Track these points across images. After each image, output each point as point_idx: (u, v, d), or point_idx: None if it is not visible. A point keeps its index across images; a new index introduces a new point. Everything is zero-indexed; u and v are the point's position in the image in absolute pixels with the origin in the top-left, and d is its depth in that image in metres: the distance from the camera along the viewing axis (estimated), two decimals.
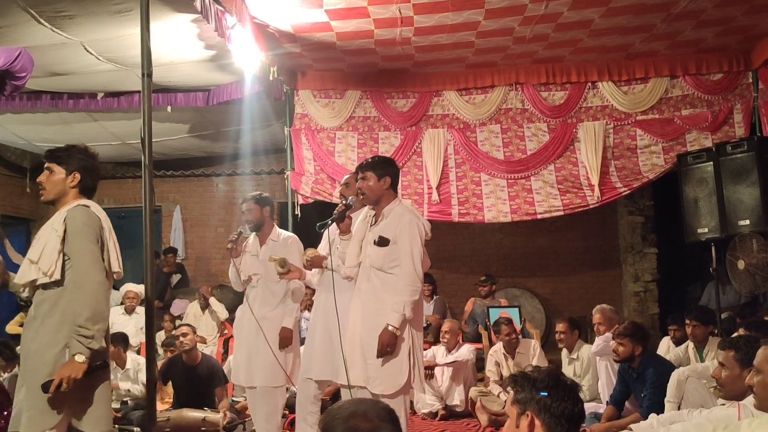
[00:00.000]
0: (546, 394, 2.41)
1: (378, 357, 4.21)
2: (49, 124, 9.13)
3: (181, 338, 6.65)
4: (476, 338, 8.56)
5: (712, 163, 7.64)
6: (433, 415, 7.17)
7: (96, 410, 3.46)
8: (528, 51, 7.86)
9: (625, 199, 9.33)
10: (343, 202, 4.73)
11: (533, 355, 7.11)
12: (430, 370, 7.20)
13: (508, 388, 2.55)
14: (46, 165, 3.68)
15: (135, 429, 6.02)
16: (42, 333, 3.39)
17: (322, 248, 5.09)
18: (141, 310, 8.46)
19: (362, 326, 4.38)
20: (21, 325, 9.27)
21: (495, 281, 9.54)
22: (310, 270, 5.12)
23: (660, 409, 5.01)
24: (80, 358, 3.25)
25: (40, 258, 3.42)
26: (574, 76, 8.34)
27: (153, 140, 4.37)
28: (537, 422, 2.40)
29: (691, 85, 8.24)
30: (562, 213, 8.34)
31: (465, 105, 8.52)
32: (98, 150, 3.87)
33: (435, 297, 9.46)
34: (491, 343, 8.04)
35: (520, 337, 7.34)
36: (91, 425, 3.44)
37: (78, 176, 3.62)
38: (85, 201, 3.59)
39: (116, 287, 8.50)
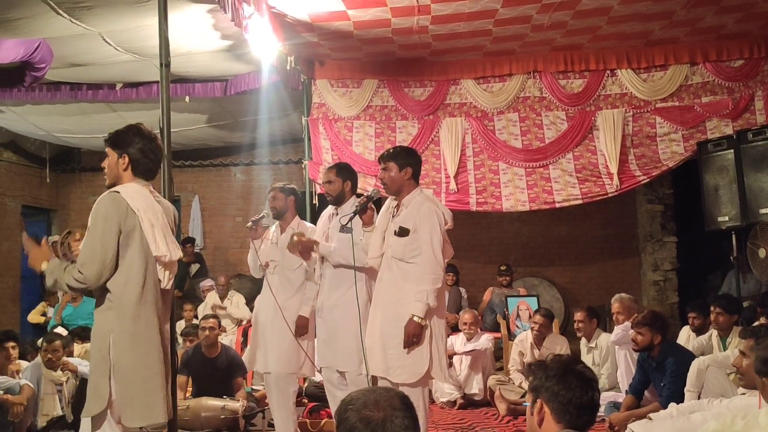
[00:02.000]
0: (554, 382, 2.43)
1: (405, 347, 4.23)
2: (69, 114, 9.20)
3: (208, 331, 6.66)
4: (494, 327, 8.54)
5: (732, 150, 7.58)
6: (452, 403, 7.18)
7: (134, 404, 3.37)
8: (546, 39, 7.81)
9: (644, 187, 9.26)
10: (365, 194, 4.76)
11: (558, 352, 7.04)
12: (448, 358, 7.19)
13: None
14: (106, 149, 3.65)
15: None
16: (95, 318, 3.44)
17: (319, 234, 5.13)
18: None
19: (383, 316, 4.40)
20: (42, 314, 9.37)
21: (513, 271, 9.53)
22: (297, 254, 5.12)
23: (680, 399, 4.99)
24: (58, 267, 3.36)
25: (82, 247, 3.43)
26: (592, 63, 8.28)
27: (171, 130, 4.40)
28: (546, 409, 2.43)
29: (711, 72, 8.16)
30: (580, 202, 8.30)
31: (482, 93, 8.48)
32: None
33: (452, 287, 9.44)
34: (510, 333, 8.03)
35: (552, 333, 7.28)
36: (128, 419, 3.37)
37: (126, 159, 3.56)
38: (126, 185, 3.52)
39: None
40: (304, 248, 4.99)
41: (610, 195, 8.25)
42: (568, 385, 2.41)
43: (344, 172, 5.11)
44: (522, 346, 7.23)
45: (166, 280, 3.53)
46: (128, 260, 3.38)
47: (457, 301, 9.26)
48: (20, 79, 6.74)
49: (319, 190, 8.43)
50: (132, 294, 3.38)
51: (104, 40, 6.45)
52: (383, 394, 2.03)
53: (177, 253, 3.54)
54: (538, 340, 7.10)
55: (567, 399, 2.40)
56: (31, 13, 5.57)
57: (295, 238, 5.00)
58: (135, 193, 3.46)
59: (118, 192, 3.43)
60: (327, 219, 5.15)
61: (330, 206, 5.18)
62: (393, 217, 4.53)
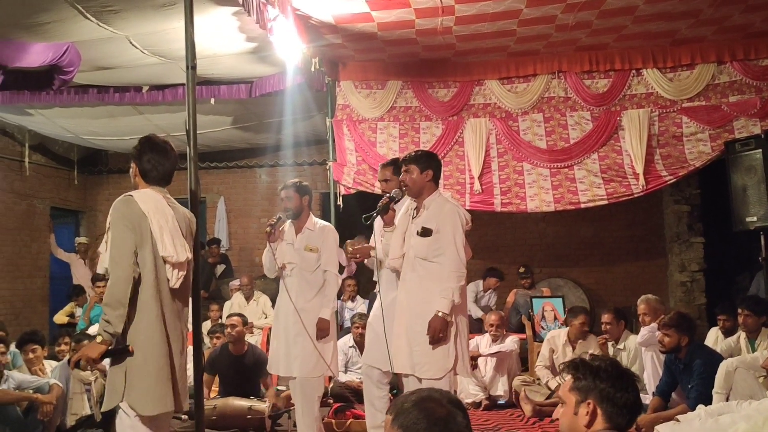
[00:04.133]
0: (609, 383, 2.41)
1: (431, 343, 4.33)
2: (96, 117, 9.31)
3: (229, 329, 6.74)
4: (519, 329, 8.51)
5: (761, 150, 7.48)
6: (477, 404, 7.16)
7: (146, 394, 3.54)
8: (571, 39, 7.77)
9: (670, 187, 9.18)
10: (387, 195, 4.79)
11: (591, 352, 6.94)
12: (473, 360, 7.18)
13: (565, 375, 2.54)
14: None
15: (183, 416, 6.13)
16: None
17: (376, 241, 5.13)
18: None
19: (408, 314, 4.50)
20: (69, 315, 9.48)
21: (533, 272, 9.53)
22: (355, 262, 5.17)
23: (707, 401, 4.96)
24: (98, 339, 3.48)
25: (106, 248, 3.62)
26: (617, 63, 8.21)
27: (197, 132, 4.45)
28: (599, 411, 2.41)
29: (738, 71, 8.06)
30: (606, 202, 8.24)
31: (507, 94, 8.45)
32: None
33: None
34: (535, 334, 7.99)
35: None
36: (141, 408, 3.53)
37: (134, 166, 3.81)
38: (140, 190, 3.74)
39: None
40: (362, 256, 5.03)
41: (635, 195, 8.18)
42: (623, 386, 2.41)
43: (401, 169, 4.99)
44: (553, 343, 7.15)
45: (174, 279, 3.67)
46: (141, 260, 3.55)
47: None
48: (49, 83, 6.83)
49: (343, 191, 8.47)
50: (144, 291, 3.55)
51: (131, 43, 6.53)
52: (445, 394, 2.06)
53: (184, 255, 3.69)
54: (575, 338, 7.02)
55: (622, 401, 2.39)
56: (60, 17, 5.65)
57: (350, 249, 5.02)
58: (146, 197, 3.67)
59: (131, 195, 3.65)
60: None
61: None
62: (413, 218, 4.62)
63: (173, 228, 3.67)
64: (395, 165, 5.12)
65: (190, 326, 4.09)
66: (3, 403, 5.44)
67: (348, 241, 5.21)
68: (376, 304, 5.19)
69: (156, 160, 3.78)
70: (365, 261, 5.24)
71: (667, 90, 8.15)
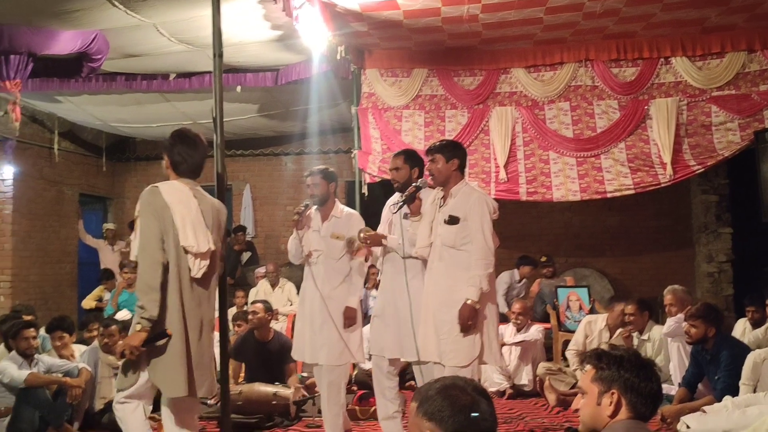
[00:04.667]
0: (634, 373, 2.41)
1: (461, 331, 4.34)
2: (124, 104, 9.39)
3: (251, 316, 6.79)
4: (544, 318, 8.49)
5: None
6: (501, 393, 7.16)
7: (160, 375, 3.71)
8: (598, 26, 7.69)
9: (698, 177, 9.08)
10: (414, 184, 4.80)
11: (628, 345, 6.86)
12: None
13: (586, 365, 2.54)
14: None
15: (209, 401, 6.18)
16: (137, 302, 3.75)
17: (382, 229, 5.13)
18: None
19: (435, 302, 4.51)
20: (98, 300, 9.58)
21: (554, 261, 9.49)
22: (369, 249, 5.15)
23: (734, 392, 4.92)
24: (137, 327, 3.60)
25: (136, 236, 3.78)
26: (646, 51, 8.12)
27: (224, 120, 4.48)
28: (623, 401, 2.40)
29: None
30: (632, 192, 8.16)
31: (533, 82, 8.40)
32: (170, 130, 4.07)
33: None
34: (559, 323, 7.97)
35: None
36: (161, 387, 3.75)
37: (166, 159, 3.93)
38: (168, 182, 3.85)
39: None
40: (373, 243, 5.03)
41: (663, 185, 8.10)
42: (647, 376, 2.41)
43: (412, 159, 5.04)
44: (589, 328, 7.02)
45: (196, 269, 3.76)
46: (165, 248, 3.68)
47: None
48: (78, 70, 6.91)
49: (368, 180, 8.48)
50: (168, 280, 3.68)
51: (158, 31, 6.57)
52: (469, 382, 2.06)
53: (206, 245, 3.77)
54: (615, 328, 6.87)
55: (647, 391, 2.40)
56: (89, 5, 5.71)
57: (362, 234, 5.02)
58: (171, 189, 3.78)
59: (157, 186, 3.77)
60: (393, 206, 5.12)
61: (396, 194, 5.05)
62: (440, 207, 4.63)
63: (196, 219, 3.76)
64: (406, 154, 5.12)
65: (217, 313, 4.17)
66: (33, 386, 5.53)
67: (362, 227, 5.18)
68: (380, 296, 5.20)
69: (186, 153, 3.87)
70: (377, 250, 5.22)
71: (696, 78, 8.04)
